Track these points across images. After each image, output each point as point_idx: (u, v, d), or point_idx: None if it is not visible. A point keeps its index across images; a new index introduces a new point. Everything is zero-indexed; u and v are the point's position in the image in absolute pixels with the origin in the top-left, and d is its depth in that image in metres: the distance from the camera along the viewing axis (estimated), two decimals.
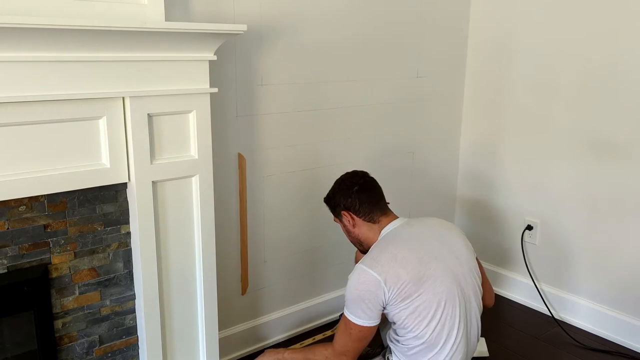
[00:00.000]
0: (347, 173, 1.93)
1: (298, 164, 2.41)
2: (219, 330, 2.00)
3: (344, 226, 1.89)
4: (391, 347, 1.81)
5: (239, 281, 2.35)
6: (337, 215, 1.90)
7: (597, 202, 2.58)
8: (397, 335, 1.75)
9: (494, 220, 3.01)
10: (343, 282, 2.72)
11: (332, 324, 2.67)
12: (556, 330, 2.65)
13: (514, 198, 2.91)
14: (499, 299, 2.98)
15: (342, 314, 1.79)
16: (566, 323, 2.73)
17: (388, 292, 1.65)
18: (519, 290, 2.94)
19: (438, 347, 1.69)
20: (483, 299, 1.86)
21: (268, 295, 2.46)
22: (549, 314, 2.77)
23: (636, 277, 2.49)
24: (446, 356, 1.70)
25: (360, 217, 1.83)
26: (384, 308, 1.69)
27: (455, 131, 3.08)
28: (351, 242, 1.94)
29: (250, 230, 2.32)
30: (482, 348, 2.39)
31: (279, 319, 2.51)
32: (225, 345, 2.25)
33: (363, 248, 1.88)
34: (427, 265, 1.68)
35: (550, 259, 2.80)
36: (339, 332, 1.77)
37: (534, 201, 2.82)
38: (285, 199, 2.39)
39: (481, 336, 2.47)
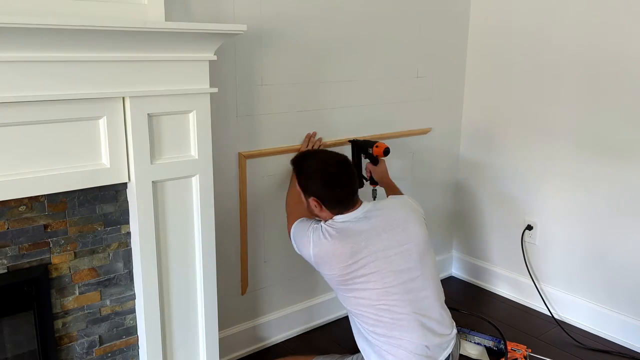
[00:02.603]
0: (331, 161, 1.94)
1: None
2: (219, 330, 2.00)
3: (308, 205, 1.95)
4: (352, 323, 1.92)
5: (239, 281, 2.35)
6: (305, 192, 1.96)
7: (597, 202, 2.57)
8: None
9: (494, 220, 3.01)
10: None
11: (332, 324, 2.67)
12: (556, 330, 2.65)
13: (514, 198, 2.91)
14: (500, 298, 2.99)
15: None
16: (566, 323, 2.73)
17: (316, 268, 1.87)
18: (519, 290, 2.94)
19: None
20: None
21: (268, 295, 2.46)
22: (549, 314, 2.77)
23: (636, 277, 2.49)
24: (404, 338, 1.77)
25: (328, 209, 1.91)
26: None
27: (455, 131, 3.08)
28: (303, 209, 2.03)
29: (250, 230, 2.32)
30: (484, 358, 2.39)
31: (279, 319, 2.51)
32: (225, 345, 2.25)
33: (313, 217, 1.98)
34: (365, 267, 1.78)
35: (550, 259, 2.80)
36: (296, 211, 2.03)
37: (534, 201, 2.82)
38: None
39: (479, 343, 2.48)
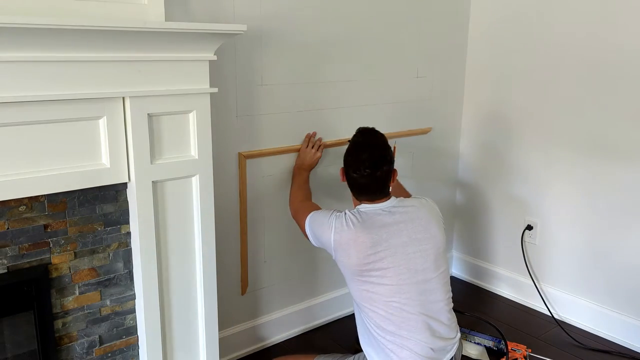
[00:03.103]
0: (364, 148, 1.89)
1: None
2: (219, 330, 2.00)
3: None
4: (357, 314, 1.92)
5: (239, 281, 2.35)
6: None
7: (597, 202, 2.57)
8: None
9: (494, 220, 3.01)
10: (343, 282, 2.72)
11: (332, 324, 2.67)
12: (556, 330, 2.65)
13: (514, 198, 2.91)
14: (500, 298, 2.99)
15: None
16: (566, 323, 2.73)
17: (333, 256, 1.85)
18: (519, 290, 2.94)
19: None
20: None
21: (268, 295, 2.47)
22: (549, 314, 2.77)
23: (636, 277, 2.49)
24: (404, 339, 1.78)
25: (353, 193, 1.95)
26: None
27: (455, 131, 3.08)
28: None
29: (250, 230, 2.32)
30: (484, 358, 2.39)
31: (279, 319, 2.51)
32: (225, 345, 2.25)
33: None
34: (383, 260, 1.77)
35: (550, 259, 2.80)
36: (306, 207, 2.04)
37: (534, 201, 2.82)
38: (285, 199, 2.39)
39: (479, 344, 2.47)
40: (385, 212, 1.85)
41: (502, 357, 2.37)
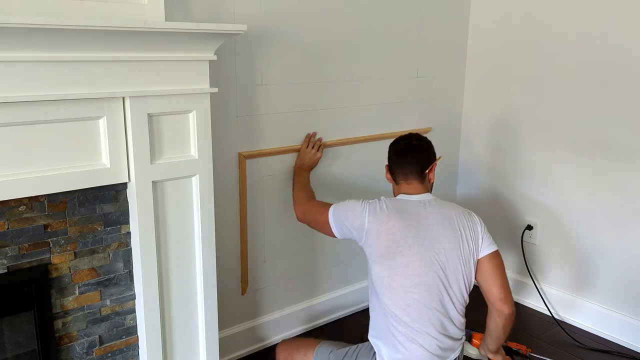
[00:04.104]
0: (407, 138, 2.04)
1: None
2: (219, 330, 2.00)
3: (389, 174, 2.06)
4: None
5: (239, 281, 2.35)
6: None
7: (597, 202, 2.57)
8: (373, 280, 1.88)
9: (494, 220, 3.01)
10: (343, 282, 2.74)
11: (332, 324, 2.67)
12: (556, 330, 2.65)
13: (513, 198, 2.91)
14: None
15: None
16: (566, 323, 2.73)
17: (361, 241, 1.86)
18: (518, 290, 2.94)
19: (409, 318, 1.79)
20: (495, 300, 1.86)
21: (268, 295, 2.47)
22: (549, 314, 2.77)
23: (636, 277, 2.49)
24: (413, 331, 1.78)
25: (393, 179, 2.01)
26: (352, 238, 1.91)
27: (455, 131, 3.08)
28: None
29: (250, 230, 2.32)
30: (484, 358, 2.38)
31: (279, 319, 2.51)
32: (225, 345, 2.25)
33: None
34: (411, 247, 1.78)
35: (550, 259, 2.80)
36: (318, 206, 2.06)
37: (533, 201, 2.82)
38: (285, 199, 2.39)
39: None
40: (420, 203, 1.88)
41: None
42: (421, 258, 1.78)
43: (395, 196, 1.99)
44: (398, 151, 1.99)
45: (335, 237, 1.98)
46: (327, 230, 1.99)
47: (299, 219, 2.18)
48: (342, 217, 1.92)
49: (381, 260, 1.81)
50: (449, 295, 1.81)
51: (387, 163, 2.05)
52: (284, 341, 2.15)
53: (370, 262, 1.87)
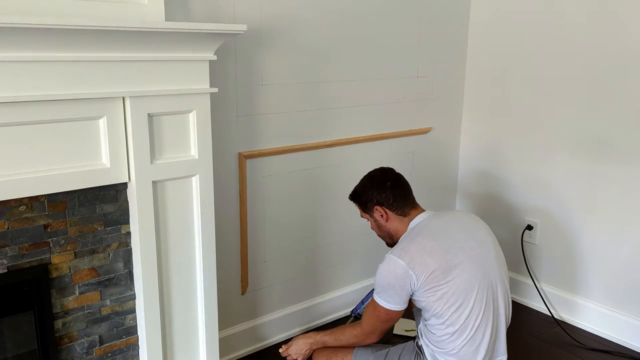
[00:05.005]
0: (376, 170, 1.95)
1: (298, 164, 2.41)
2: (219, 330, 2.00)
3: (376, 221, 1.91)
4: (422, 333, 1.84)
5: (239, 281, 2.35)
6: (368, 210, 1.91)
7: (596, 202, 2.57)
8: (427, 321, 1.78)
9: (494, 220, 3.01)
10: (343, 282, 2.74)
11: (332, 324, 2.67)
12: (556, 330, 2.65)
13: (513, 198, 2.91)
14: None
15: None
16: (566, 323, 2.73)
17: (416, 280, 1.69)
18: (518, 290, 2.94)
19: (466, 334, 1.72)
20: None
21: (268, 295, 2.47)
22: (549, 314, 2.77)
23: (635, 277, 2.49)
24: (475, 342, 1.73)
25: (392, 211, 1.86)
26: (412, 294, 1.74)
27: (455, 131, 3.08)
28: (380, 236, 1.96)
29: (250, 230, 2.32)
30: None
31: (279, 318, 2.51)
32: (225, 345, 2.25)
33: (392, 241, 1.91)
34: (455, 255, 1.72)
35: (550, 259, 2.80)
36: (368, 313, 1.84)
37: (534, 201, 2.82)
38: (285, 199, 2.39)
39: None
40: (432, 217, 1.84)
41: None
42: (469, 270, 1.71)
43: (402, 230, 1.85)
44: (393, 184, 1.87)
45: (414, 307, 1.82)
46: (396, 315, 1.79)
47: (377, 340, 1.89)
48: (387, 296, 1.74)
49: (438, 283, 1.69)
50: (499, 311, 1.80)
51: (372, 208, 1.87)
52: (319, 350, 1.99)
53: (416, 298, 1.75)
